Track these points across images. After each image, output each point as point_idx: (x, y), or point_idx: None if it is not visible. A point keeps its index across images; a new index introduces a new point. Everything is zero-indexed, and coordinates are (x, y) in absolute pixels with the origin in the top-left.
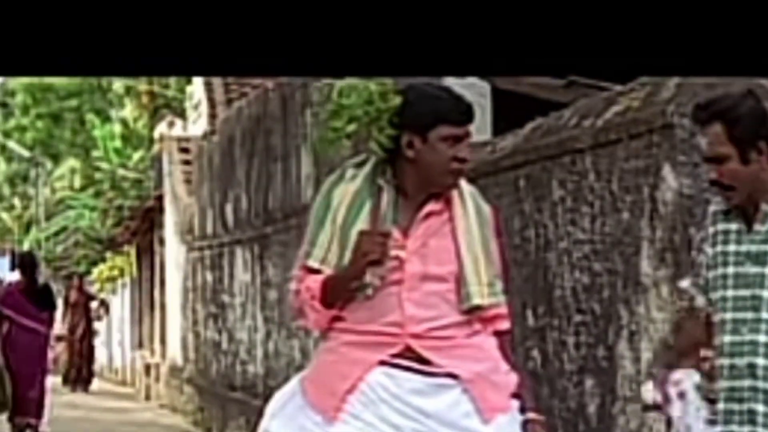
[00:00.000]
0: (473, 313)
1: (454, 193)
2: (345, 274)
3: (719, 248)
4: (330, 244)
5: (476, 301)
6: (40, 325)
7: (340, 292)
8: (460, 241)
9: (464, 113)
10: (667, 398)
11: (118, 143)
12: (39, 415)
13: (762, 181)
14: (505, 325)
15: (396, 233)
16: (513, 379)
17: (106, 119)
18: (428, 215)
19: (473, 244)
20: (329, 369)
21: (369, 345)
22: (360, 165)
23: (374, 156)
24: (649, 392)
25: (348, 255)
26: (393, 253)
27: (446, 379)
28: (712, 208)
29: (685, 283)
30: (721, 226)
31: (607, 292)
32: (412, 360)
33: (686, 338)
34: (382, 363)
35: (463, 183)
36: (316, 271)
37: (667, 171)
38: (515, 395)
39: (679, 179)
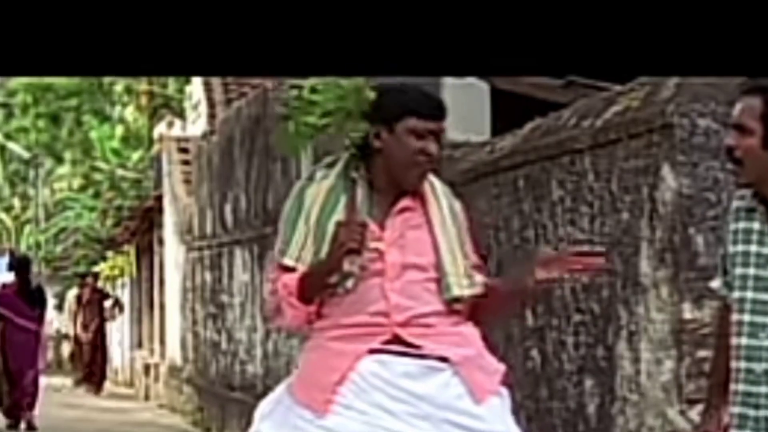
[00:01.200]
0: (454, 304)
1: (428, 190)
2: (323, 267)
3: (740, 248)
4: (305, 242)
5: (456, 292)
6: (32, 323)
7: (319, 285)
8: (437, 234)
9: (434, 108)
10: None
11: (115, 144)
12: (32, 407)
13: None
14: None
15: (373, 226)
16: (500, 367)
17: (105, 119)
18: (403, 210)
19: (450, 238)
20: (316, 365)
21: (356, 337)
22: (330, 166)
23: (345, 154)
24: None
25: (324, 250)
26: (372, 245)
27: (436, 362)
28: (734, 205)
29: (715, 284)
30: (742, 224)
31: (607, 292)
32: (400, 344)
33: (722, 365)
34: (373, 351)
35: (435, 180)
36: (291, 270)
37: (666, 171)
38: (504, 383)
39: (679, 179)
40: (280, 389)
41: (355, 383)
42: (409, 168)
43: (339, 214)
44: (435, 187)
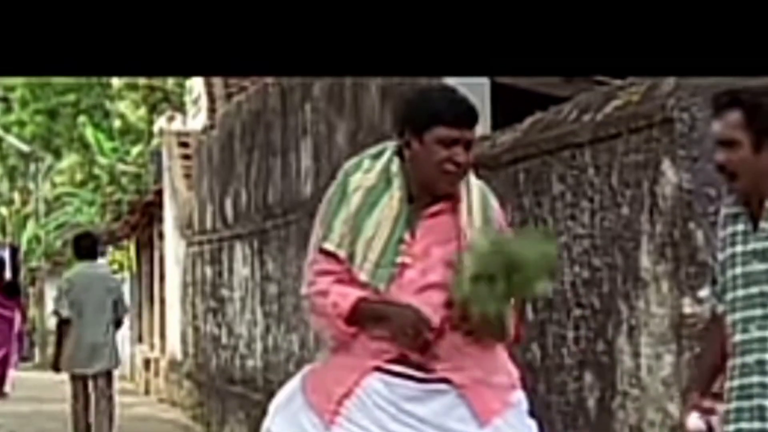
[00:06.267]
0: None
1: (462, 191)
2: (385, 319)
3: (728, 251)
4: (345, 229)
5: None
6: (7, 311)
7: (372, 323)
8: (462, 243)
9: (463, 115)
10: (710, 428)
11: (113, 142)
12: (2, 382)
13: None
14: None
15: (406, 236)
16: (514, 378)
17: (104, 116)
18: (433, 215)
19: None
20: (328, 372)
21: (366, 351)
22: (377, 156)
23: (390, 152)
24: (695, 422)
25: (360, 244)
26: (399, 259)
27: (440, 385)
28: (723, 212)
29: (704, 293)
30: (729, 229)
31: (607, 287)
32: (406, 365)
33: (706, 364)
34: (377, 369)
35: (474, 182)
36: (333, 255)
37: (666, 165)
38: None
39: (679, 174)
40: (294, 382)
41: (360, 399)
42: (438, 177)
43: (375, 220)
44: (471, 187)
